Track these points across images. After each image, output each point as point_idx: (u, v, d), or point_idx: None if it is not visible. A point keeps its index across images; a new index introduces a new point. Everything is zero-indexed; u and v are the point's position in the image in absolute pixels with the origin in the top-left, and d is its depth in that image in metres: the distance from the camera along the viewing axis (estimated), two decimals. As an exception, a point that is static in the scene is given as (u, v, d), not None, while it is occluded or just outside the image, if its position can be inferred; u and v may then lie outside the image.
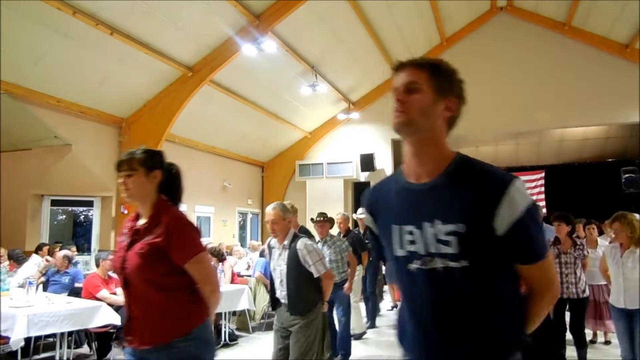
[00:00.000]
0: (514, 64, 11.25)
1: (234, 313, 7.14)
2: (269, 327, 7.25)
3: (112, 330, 5.16)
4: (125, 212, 8.96)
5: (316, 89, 10.41)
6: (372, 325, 7.29)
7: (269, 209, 3.63)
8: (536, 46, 11.19)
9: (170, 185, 2.17)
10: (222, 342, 6.17)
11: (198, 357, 2.02)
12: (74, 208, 10.21)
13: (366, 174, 12.66)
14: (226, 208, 11.85)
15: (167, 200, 2.14)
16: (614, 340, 5.31)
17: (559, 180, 12.58)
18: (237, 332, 6.83)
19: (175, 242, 1.99)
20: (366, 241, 6.99)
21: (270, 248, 3.82)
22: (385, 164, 12.59)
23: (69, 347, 5.07)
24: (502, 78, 11.25)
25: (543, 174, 12.88)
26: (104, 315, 4.90)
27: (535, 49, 11.17)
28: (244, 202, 12.86)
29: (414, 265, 1.35)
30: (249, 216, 13.45)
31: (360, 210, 7.57)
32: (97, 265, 5.68)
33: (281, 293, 3.56)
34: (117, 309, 5.16)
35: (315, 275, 3.52)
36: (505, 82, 11.21)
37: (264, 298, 7.25)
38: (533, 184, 11.97)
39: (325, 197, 12.46)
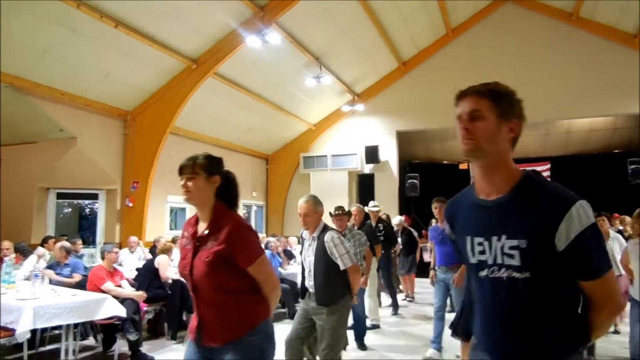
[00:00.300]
0: (520, 54, 11.15)
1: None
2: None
3: (117, 322, 5.18)
4: (130, 204, 9.00)
5: (321, 81, 10.37)
6: (396, 312, 7.62)
7: (302, 202, 3.66)
8: (543, 36, 11.09)
9: (227, 191, 2.28)
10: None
11: (263, 350, 2.17)
12: (79, 201, 10.27)
13: (371, 166, 12.64)
14: (231, 200, 11.85)
15: (225, 205, 2.25)
16: (625, 328, 5.31)
17: (565, 172, 12.48)
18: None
19: (239, 248, 2.12)
20: (378, 234, 6.99)
21: (302, 239, 3.94)
22: (390, 156, 12.56)
23: (74, 339, 5.10)
24: (509, 69, 11.14)
25: (549, 166, 12.79)
26: (109, 307, 4.91)
27: (542, 40, 11.08)
28: (248, 194, 12.87)
29: (483, 273, 1.51)
30: (254, 208, 13.47)
31: (372, 203, 7.55)
32: (103, 258, 5.70)
33: (309, 283, 3.68)
34: (122, 301, 5.19)
35: (342, 268, 3.58)
36: (512, 73, 11.09)
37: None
38: (539, 176, 11.88)
39: (330, 189, 12.43)
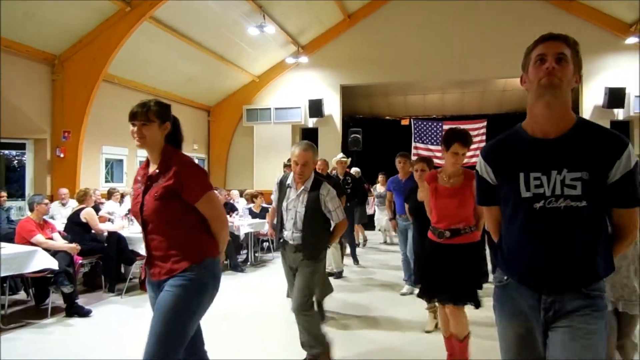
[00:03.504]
0: (463, 14, 11.27)
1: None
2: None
3: (49, 275, 5.01)
4: (62, 155, 8.54)
5: (264, 30, 10.06)
6: (357, 262, 7.70)
7: (299, 150, 3.37)
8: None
9: (173, 135, 2.41)
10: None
11: (206, 285, 2.24)
12: (5, 152, 9.62)
13: (314, 119, 12.60)
14: (171, 153, 11.52)
15: (172, 147, 2.38)
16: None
17: (500, 129, 12.92)
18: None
19: (186, 184, 2.22)
20: (346, 186, 7.03)
21: (284, 186, 3.58)
22: (333, 110, 12.56)
23: (3, 293, 4.90)
24: (451, 27, 11.29)
25: (485, 123, 13.20)
26: (40, 260, 4.74)
27: (483, 1, 11.22)
28: (189, 147, 12.54)
29: (539, 204, 1.64)
30: (195, 161, 13.15)
31: (340, 154, 7.49)
32: (31, 210, 5.42)
33: (293, 235, 3.46)
34: (54, 254, 5.00)
35: (335, 222, 3.50)
36: (454, 31, 11.26)
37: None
38: (475, 132, 12.21)
39: (273, 143, 12.37)
